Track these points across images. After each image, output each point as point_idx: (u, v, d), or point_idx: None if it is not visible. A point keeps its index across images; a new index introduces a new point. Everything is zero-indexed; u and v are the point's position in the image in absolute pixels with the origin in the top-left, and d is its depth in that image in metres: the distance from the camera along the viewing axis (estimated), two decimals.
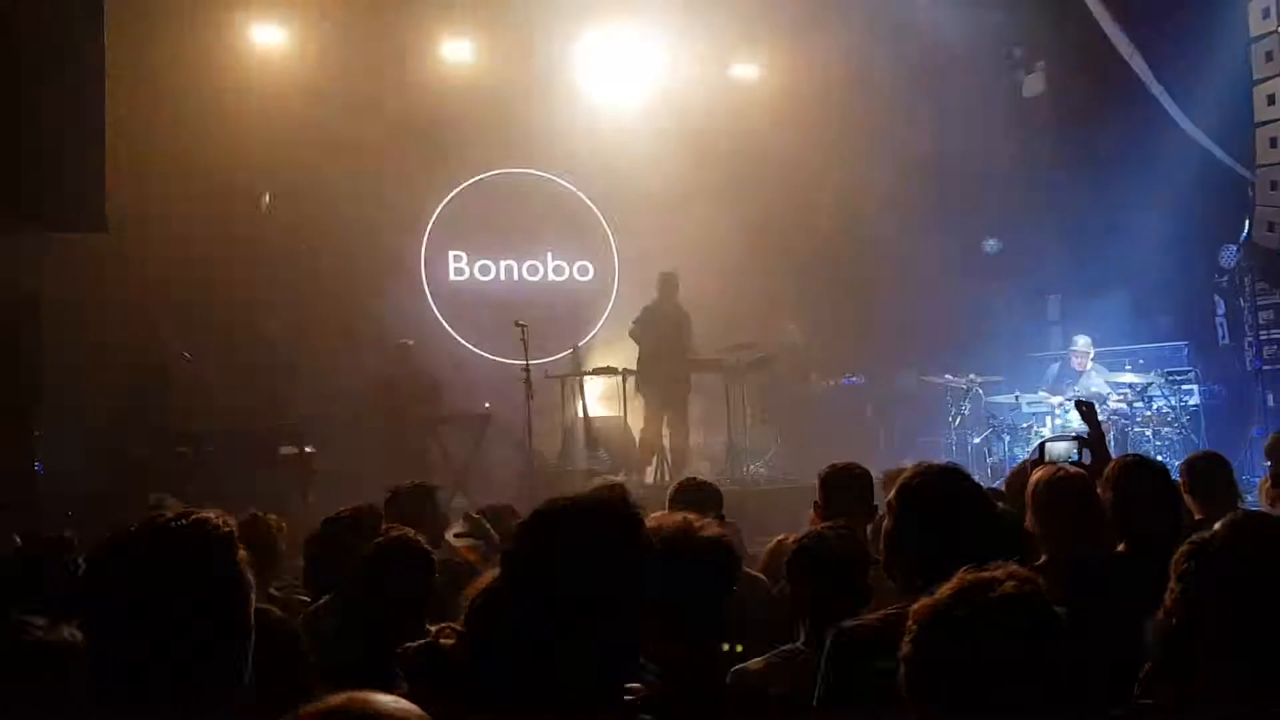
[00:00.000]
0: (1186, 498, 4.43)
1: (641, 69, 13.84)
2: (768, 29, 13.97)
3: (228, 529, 1.91)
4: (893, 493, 2.81)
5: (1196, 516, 4.25)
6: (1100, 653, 2.60)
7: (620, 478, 10.12)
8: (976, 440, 11.79)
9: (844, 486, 4.28)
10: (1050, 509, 3.60)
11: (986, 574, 1.81)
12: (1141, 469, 3.85)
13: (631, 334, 11.19)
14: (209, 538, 1.88)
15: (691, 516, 2.70)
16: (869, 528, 4.09)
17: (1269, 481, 4.73)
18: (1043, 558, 3.49)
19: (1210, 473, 4.50)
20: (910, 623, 1.81)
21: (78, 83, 7.87)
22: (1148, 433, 10.71)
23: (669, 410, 11.00)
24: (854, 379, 12.52)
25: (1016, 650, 1.70)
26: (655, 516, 2.71)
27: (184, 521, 1.89)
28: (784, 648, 2.94)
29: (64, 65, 7.77)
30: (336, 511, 4.41)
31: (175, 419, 9.89)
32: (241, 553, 1.90)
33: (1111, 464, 4.06)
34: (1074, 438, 4.58)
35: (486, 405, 11.34)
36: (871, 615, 2.62)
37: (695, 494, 4.61)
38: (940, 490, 2.78)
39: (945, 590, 1.80)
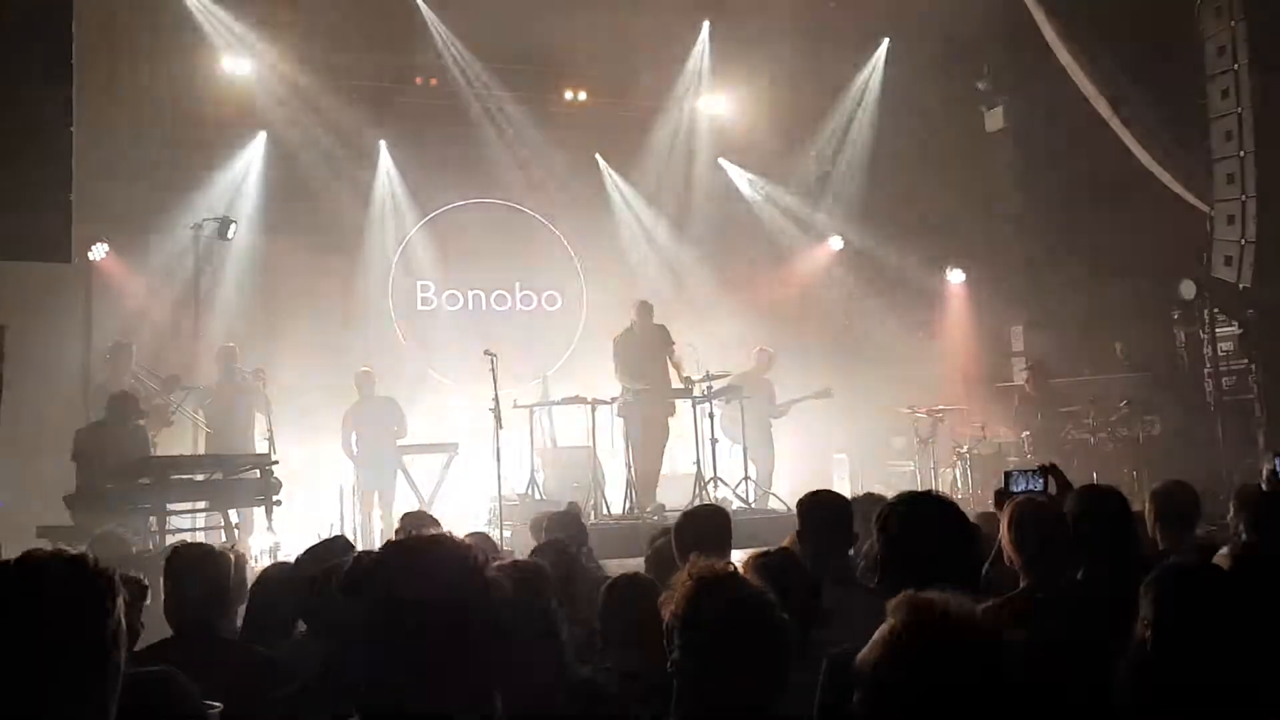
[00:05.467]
0: (1155, 526, 4.49)
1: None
2: (727, 64, 14.15)
3: (109, 573, 1.80)
4: (877, 518, 2.84)
5: (1160, 546, 4.30)
6: (1076, 677, 2.64)
7: (588, 507, 10.11)
8: (943, 469, 11.88)
9: (822, 514, 4.29)
10: (1030, 538, 3.61)
11: (927, 598, 1.82)
12: (1097, 496, 3.94)
13: (617, 368, 10.96)
14: (84, 580, 1.78)
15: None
16: (850, 552, 4.17)
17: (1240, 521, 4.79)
18: (1022, 584, 3.52)
19: (1177, 502, 4.56)
20: (865, 652, 1.83)
21: (45, 113, 7.82)
22: (1112, 462, 10.83)
23: (655, 438, 10.99)
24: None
25: (960, 674, 1.72)
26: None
27: (61, 561, 1.80)
28: None
29: (31, 95, 7.72)
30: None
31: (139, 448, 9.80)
32: (120, 599, 1.79)
33: (1073, 493, 4.14)
34: (1038, 468, 4.62)
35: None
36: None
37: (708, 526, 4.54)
38: (924, 515, 2.81)
39: (893, 618, 1.82)
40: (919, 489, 10.29)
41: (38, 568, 1.79)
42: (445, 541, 1.87)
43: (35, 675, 1.68)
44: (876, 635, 1.81)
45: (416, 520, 5.15)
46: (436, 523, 5.04)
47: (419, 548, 1.85)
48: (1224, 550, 3.02)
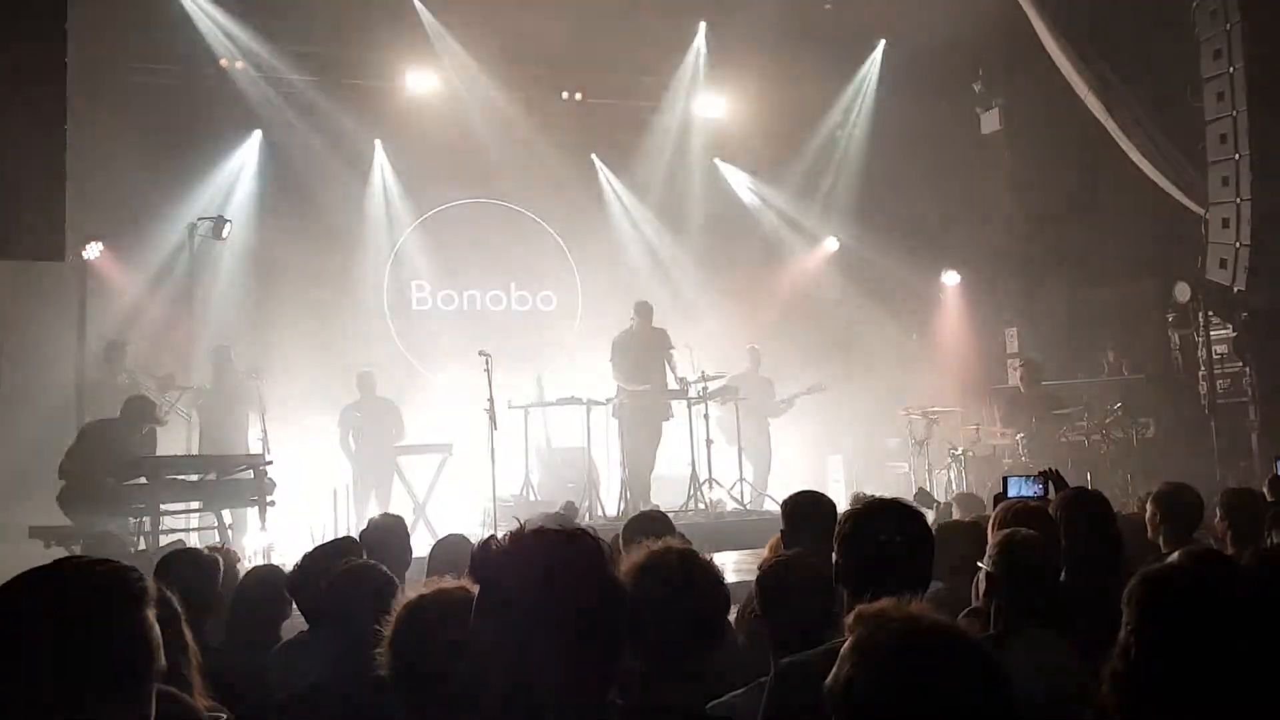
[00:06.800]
0: (1157, 529, 4.49)
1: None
2: (723, 65, 14.15)
3: (142, 584, 1.80)
4: (837, 526, 2.84)
5: (1163, 549, 4.29)
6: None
7: (583, 509, 10.11)
8: (938, 471, 11.86)
9: (806, 515, 4.20)
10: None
11: (878, 608, 1.76)
12: (1078, 499, 3.95)
13: (614, 370, 11.00)
14: (121, 590, 1.77)
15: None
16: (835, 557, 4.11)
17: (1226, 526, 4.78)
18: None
19: (1180, 505, 4.55)
20: (833, 675, 1.75)
21: (39, 112, 7.80)
22: (1106, 464, 10.83)
23: (649, 439, 10.98)
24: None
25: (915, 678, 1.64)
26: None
27: (100, 569, 1.79)
28: (761, 679, 2.93)
29: (26, 96, 7.70)
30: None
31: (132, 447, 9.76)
32: (151, 612, 1.79)
33: (1057, 497, 4.14)
34: (1038, 473, 4.60)
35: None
36: (816, 650, 2.60)
37: (651, 525, 4.57)
38: (874, 522, 2.80)
39: (851, 634, 1.75)
40: (917, 490, 10.31)
41: (68, 575, 1.78)
42: (582, 537, 1.82)
43: (66, 683, 1.67)
44: (841, 654, 1.70)
45: (380, 524, 5.05)
46: (401, 522, 4.99)
47: (553, 545, 1.78)
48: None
